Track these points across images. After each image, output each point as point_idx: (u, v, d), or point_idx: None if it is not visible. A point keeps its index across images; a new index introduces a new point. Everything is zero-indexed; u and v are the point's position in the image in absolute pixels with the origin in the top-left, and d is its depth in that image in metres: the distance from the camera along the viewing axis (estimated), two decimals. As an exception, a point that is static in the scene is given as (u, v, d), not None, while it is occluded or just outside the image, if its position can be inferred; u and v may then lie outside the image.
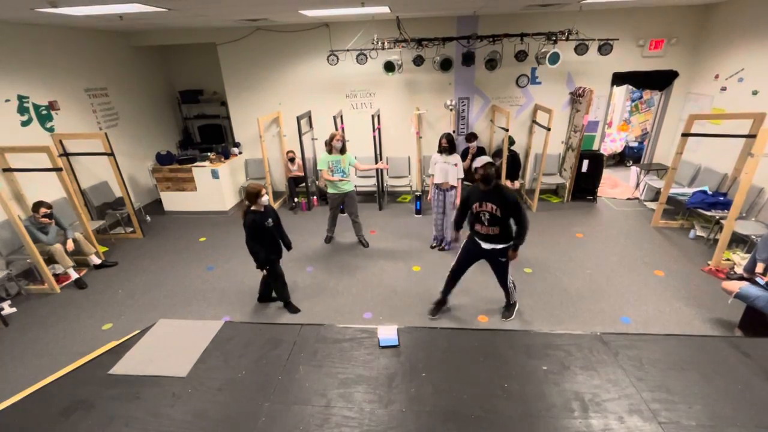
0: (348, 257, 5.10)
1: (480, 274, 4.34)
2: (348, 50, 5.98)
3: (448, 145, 4.61)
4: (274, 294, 4.13)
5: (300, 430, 1.67)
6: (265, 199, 3.46)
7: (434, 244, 5.25)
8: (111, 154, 5.21)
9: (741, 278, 3.58)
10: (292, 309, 4.03)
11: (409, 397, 1.82)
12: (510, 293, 3.78)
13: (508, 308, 3.89)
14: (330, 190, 5.02)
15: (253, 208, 3.46)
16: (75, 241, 4.75)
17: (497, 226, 3.29)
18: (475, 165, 3.23)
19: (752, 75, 5.11)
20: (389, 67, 5.95)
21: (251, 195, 3.42)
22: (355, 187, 5.31)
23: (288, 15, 5.21)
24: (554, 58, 5.55)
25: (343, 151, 4.85)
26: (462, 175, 4.72)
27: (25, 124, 4.97)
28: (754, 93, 5.06)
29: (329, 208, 5.25)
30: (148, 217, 6.54)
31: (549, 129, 5.85)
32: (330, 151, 4.80)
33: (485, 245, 3.45)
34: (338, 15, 5.35)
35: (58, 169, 4.60)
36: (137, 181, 6.84)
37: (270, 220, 3.56)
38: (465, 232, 3.67)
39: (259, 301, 4.20)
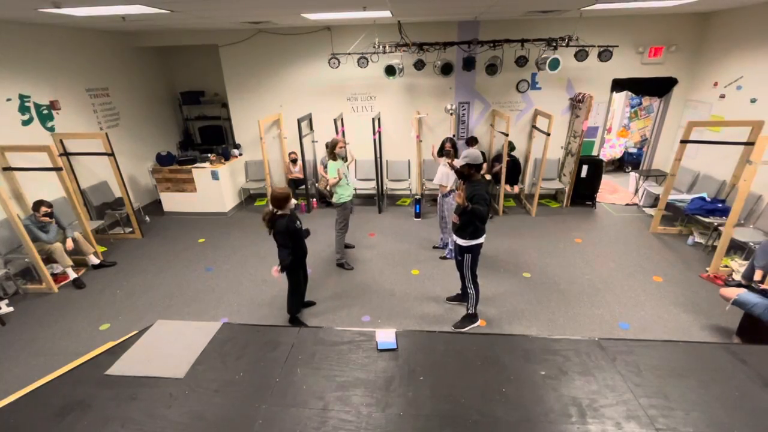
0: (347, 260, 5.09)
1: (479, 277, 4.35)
2: (349, 53, 6.00)
3: (451, 150, 4.63)
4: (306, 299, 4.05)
5: (297, 433, 1.66)
6: (293, 202, 3.40)
7: (439, 245, 5.27)
8: (111, 155, 5.21)
9: (739, 285, 3.59)
10: (298, 323, 3.88)
11: (406, 401, 1.81)
12: (469, 301, 3.70)
13: (463, 318, 3.78)
14: (342, 200, 4.60)
15: (280, 212, 3.36)
16: (74, 240, 4.75)
17: (461, 216, 3.33)
18: (460, 159, 3.35)
19: (751, 83, 5.14)
20: (390, 70, 5.97)
21: (281, 200, 3.32)
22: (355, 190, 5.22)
23: (290, 18, 5.23)
24: (554, 64, 5.58)
25: (345, 157, 4.69)
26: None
27: (25, 123, 4.97)
28: (753, 101, 5.09)
29: (341, 221, 4.72)
30: (148, 218, 6.54)
31: (549, 134, 5.87)
32: (335, 158, 4.56)
33: (454, 236, 3.55)
34: (340, 18, 5.37)
35: (58, 169, 4.60)
36: (137, 182, 6.84)
37: (298, 222, 3.48)
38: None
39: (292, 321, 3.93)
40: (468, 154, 3.31)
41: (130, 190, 6.18)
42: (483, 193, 3.23)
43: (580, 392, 1.84)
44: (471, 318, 3.76)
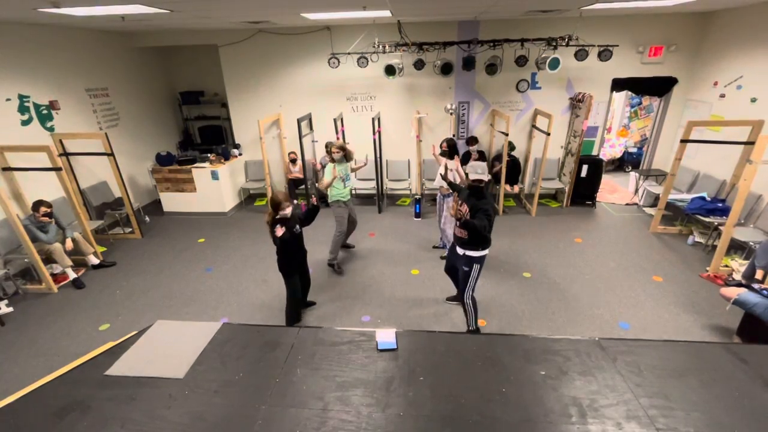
0: (346, 260, 5.09)
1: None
2: (349, 53, 6.00)
3: (448, 150, 4.62)
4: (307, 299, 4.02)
5: (297, 434, 1.66)
6: (288, 211, 3.32)
7: (439, 245, 5.26)
8: (111, 155, 5.21)
9: (739, 285, 3.59)
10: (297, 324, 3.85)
11: (407, 401, 1.81)
12: (467, 314, 3.60)
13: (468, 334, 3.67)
14: (334, 199, 4.61)
15: (278, 216, 3.32)
16: (74, 240, 4.74)
17: (467, 230, 3.25)
18: (470, 174, 3.24)
19: (751, 82, 5.14)
20: (390, 70, 5.97)
21: (274, 204, 3.31)
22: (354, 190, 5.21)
23: (290, 17, 5.23)
24: (554, 64, 5.57)
25: (348, 158, 4.63)
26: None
27: (25, 123, 4.96)
28: (753, 100, 5.09)
29: (340, 223, 4.73)
30: (147, 218, 6.54)
31: (548, 134, 5.86)
32: (333, 160, 4.54)
33: (458, 249, 3.44)
34: (340, 18, 5.36)
35: (57, 169, 4.59)
36: (137, 182, 6.83)
37: (297, 226, 3.44)
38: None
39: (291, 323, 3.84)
40: (472, 165, 3.24)
41: (130, 190, 6.17)
42: (487, 208, 3.13)
43: (581, 392, 1.84)
44: (474, 334, 3.68)
